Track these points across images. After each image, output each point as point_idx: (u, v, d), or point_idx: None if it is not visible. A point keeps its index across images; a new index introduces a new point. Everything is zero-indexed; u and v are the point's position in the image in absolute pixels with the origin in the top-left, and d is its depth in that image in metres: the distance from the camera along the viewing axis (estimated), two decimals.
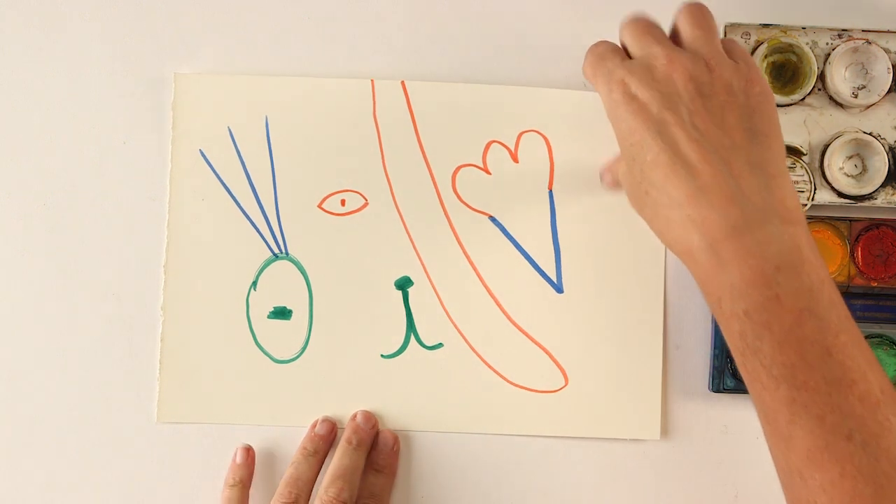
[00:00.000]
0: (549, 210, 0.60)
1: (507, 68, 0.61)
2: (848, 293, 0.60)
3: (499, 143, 0.60)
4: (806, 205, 0.60)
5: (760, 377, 0.45)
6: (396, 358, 0.60)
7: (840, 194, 0.60)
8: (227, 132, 0.60)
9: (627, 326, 0.60)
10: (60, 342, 0.60)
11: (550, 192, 0.60)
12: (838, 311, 0.45)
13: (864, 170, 0.60)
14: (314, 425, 0.59)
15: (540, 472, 0.60)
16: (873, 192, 0.59)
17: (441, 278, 0.60)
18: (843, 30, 0.60)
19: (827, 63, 0.60)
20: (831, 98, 0.60)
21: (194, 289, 0.60)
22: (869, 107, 0.60)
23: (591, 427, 0.60)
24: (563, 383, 0.60)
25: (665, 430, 0.60)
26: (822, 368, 0.44)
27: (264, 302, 0.60)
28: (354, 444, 0.58)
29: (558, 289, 0.60)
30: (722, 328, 0.47)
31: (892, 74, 0.59)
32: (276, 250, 0.60)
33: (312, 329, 0.60)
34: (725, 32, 0.60)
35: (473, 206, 0.60)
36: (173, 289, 0.60)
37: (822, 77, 0.60)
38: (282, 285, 0.60)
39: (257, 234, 0.60)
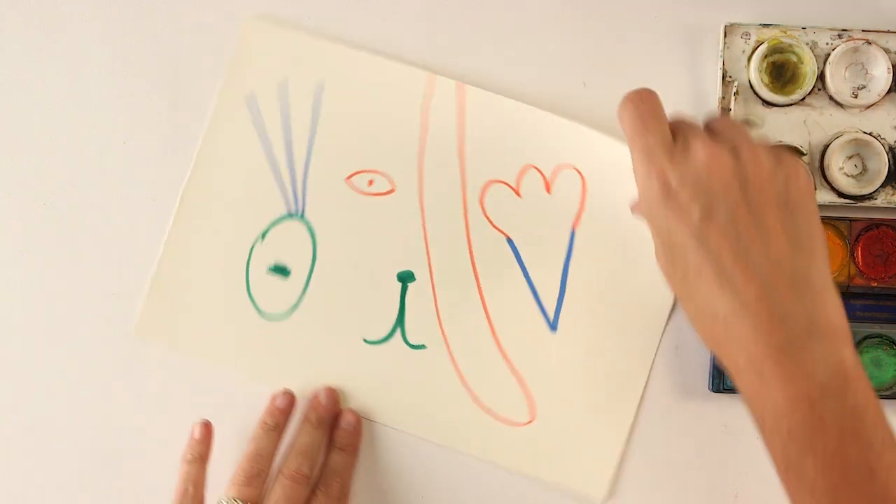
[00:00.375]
0: (567, 248, 0.60)
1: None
2: (848, 293, 0.60)
3: (536, 168, 0.60)
4: None
5: (803, 495, 0.45)
6: (378, 346, 0.60)
7: (840, 194, 0.60)
8: (280, 84, 0.60)
9: (610, 381, 0.60)
10: (60, 342, 0.60)
11: (573, 231, 0.60)
12: (882, 429, 0.45)
13: (864, 170, 0.60)
14: (274, 398, 0.59)
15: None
16: (873, 192, 0.59)
17: (443, 283, 0.60)
18: (843, 30, 0.60)
19: (827, 63, 0.60)
20: (831, 98, 0.60)
21: (204, 223, 0.60)
22: (869, 107, 0.60)
23: (544, 468, 0.59)
24: (529, 419, 0.59)
25: (613, 490, 0.59)
26: (865, 490, 0.44)
27: (267, 255, 0.60)
28: (314, 423, 0.59)
29: (552, 326, 0.60)
30: (765, 443, 0.47)
31: (892, 74, 0.59)
32: (293, 209, 0.60)
33: (305, 294, 0.60)
34: (725, 33, 0.60)
35: (495, 223, 0.60)
36: (184, 217, 0.60)
37: (822, 77, 0.60)
38: (289, 244, 0.60)
39: (278, 189, 0.60)
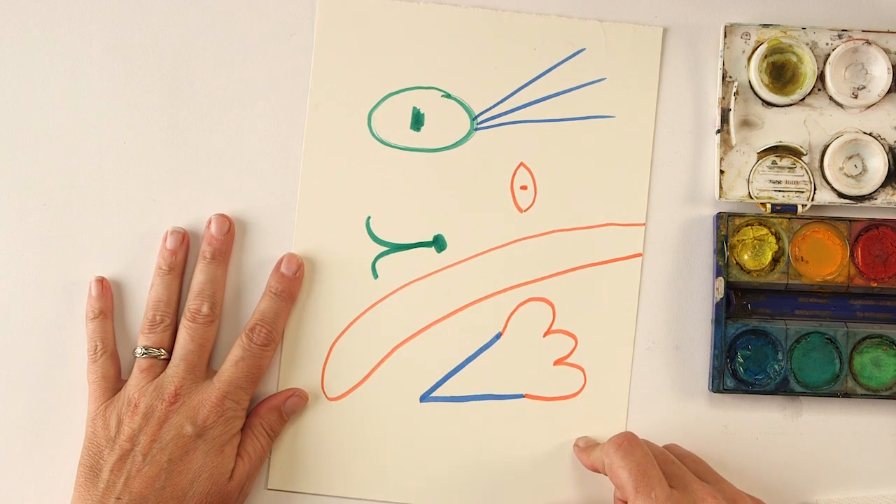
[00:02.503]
0: None
1: None
2: (848, 293, 0.60)
3: None
4: (806, 205, 0.60)
5: None
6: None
7: (840, 194, 0.60)
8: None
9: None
10: (59, 341, 0.60)
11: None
12: None
13: (864, 170, 0.60)
14: (164, 239, 0.59)
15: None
16: (873, 192, 0.60)
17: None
18: (843, 30, 0.60)
19: (827, 63, 0.60)
20: (831, 98, 0.60)
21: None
22: (869, 107, 0.60)
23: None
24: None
25: None
26: None
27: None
28: (209, 257, 0.59)
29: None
30: None
31: (892, 74, 0.59)
32: None
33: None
34: (725, 33, 0.60)
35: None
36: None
37: (822, 77, 0.60)
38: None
39: None
